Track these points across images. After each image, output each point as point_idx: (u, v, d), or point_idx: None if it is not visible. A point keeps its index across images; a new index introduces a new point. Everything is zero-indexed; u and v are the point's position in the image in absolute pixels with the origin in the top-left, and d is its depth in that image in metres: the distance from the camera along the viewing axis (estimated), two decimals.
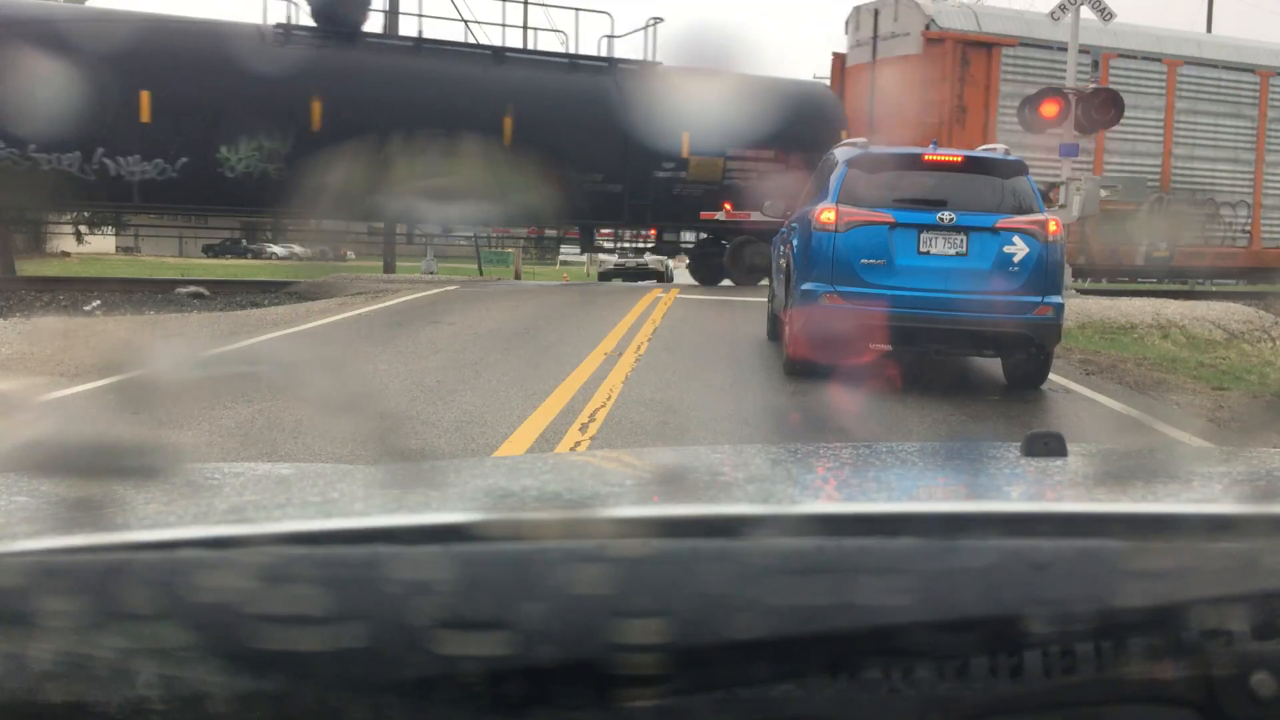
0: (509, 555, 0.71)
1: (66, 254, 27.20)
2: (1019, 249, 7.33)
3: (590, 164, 18.05)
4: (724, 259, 19.16)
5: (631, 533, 0.74)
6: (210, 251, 39.22)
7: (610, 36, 23.97)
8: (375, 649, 0.66)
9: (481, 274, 19.56)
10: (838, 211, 7.43)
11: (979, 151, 8.50)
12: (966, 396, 7.65)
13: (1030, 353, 7.65)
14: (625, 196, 18.74)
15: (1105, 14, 15.74)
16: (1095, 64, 18.32)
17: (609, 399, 6.62)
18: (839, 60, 21.47)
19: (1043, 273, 7.40)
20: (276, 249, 39.88)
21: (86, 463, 0.87)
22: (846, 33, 21.41)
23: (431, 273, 22.30)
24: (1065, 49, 19.28)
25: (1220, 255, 21.57)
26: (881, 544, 0.74)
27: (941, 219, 7.34)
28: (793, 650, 0.68)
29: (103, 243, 33.58)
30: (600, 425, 5.88)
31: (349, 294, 14.39)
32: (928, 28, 19.44)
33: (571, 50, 19.46)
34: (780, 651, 0.68)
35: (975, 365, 8.85)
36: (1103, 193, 16.79)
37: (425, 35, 18.53)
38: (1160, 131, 21.35)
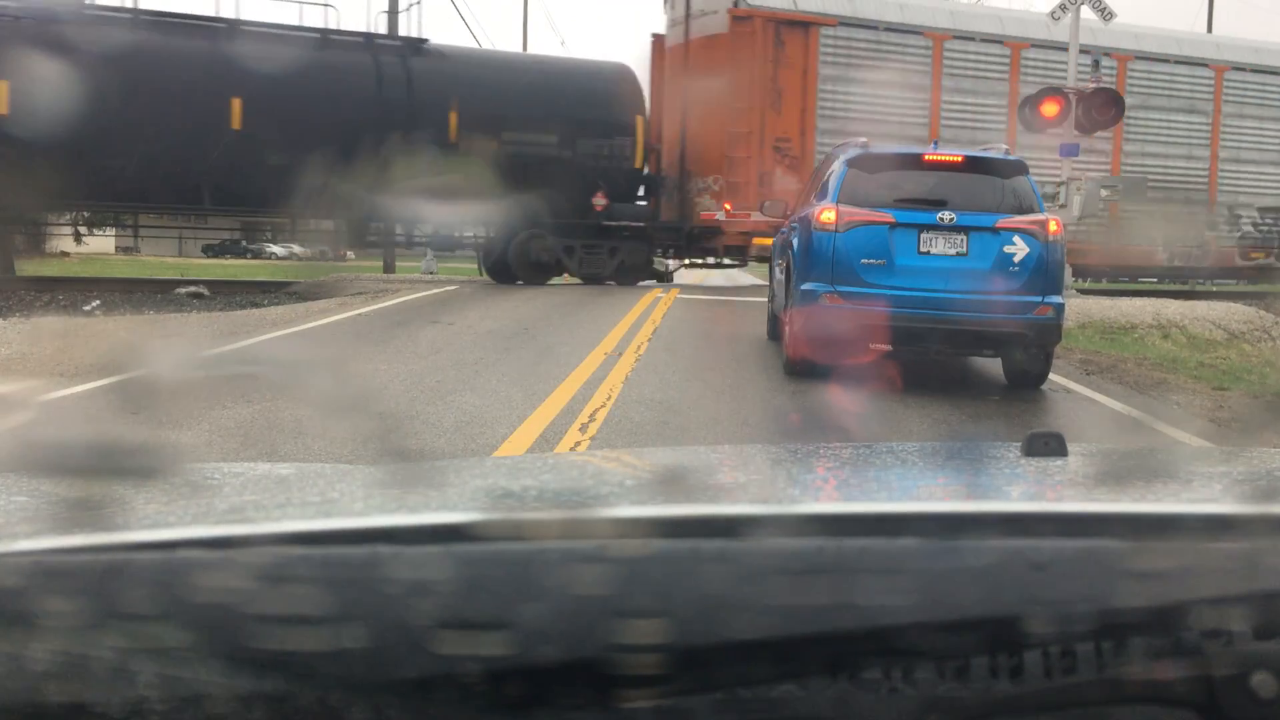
0: (509, 555, 0.71)
1: (65, 254, 27.21)
2: (1019, 249, 7.33)
3: (339, 150, 16.01)
4: (508, 254, 17.69)
5: (631, 533, 0.73)
6: (209, 251, 39.18)
7: (388, 12, 22.06)
8: (375, 649, 0.66)
9: (481, 274, 19.49)
10: (838, 211, 7.43)
11: (979, 151, 8.50)
12: (966, 396, 7.65)
13: (1030, 353, 7.65)
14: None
15: (1105, 14, 15.74)
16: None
17: (609, 399, 6.62)
18: (658, 41, 20.05)
19: (1043, 273, 7.40)
20: (276, 249, 39.79)
21: (86, 463, 0.87)
22: (665, 11, 20.00)
23: (431, 273, 22.32)
24: (895, 29, 18.84)
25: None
26: (882, 544, 0.74)
27: (942, 219, 7.34)
28: (793, 651, 0.68)
29: (102, 242, 33.57)
30: (600, 425, 5.88)
31: (348, 294, 14.40)
32: (735, 4, 18.03)
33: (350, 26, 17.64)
34: (781, 652, 0.68)
35: (975, 365, 8.85)
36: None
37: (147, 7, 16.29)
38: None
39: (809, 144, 18.25)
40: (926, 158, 7.90)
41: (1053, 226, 7.47)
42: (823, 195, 7.89)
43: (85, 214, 18.45)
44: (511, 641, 0.66)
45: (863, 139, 8.37)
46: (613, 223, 18.04)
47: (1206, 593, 0.72)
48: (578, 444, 5.46)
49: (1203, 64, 21.16)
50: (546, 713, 0.67)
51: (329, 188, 15.31)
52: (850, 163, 7.71)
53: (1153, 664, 0.72)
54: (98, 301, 13.48)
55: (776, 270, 9.46)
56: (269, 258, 39.42)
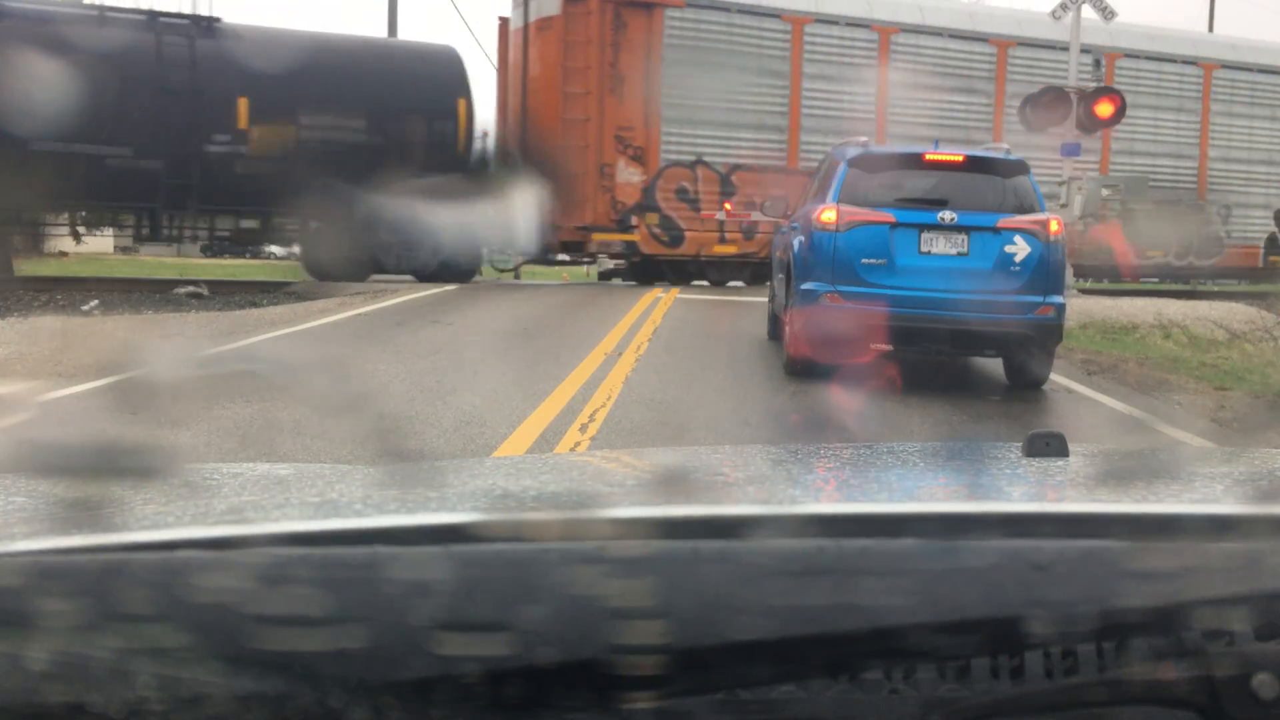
0: (509, 556, 0.71)
1: (64, 254, 27.18)
2: (1020, 249, 7.33)
3: (113, 136, 14.65)
4: (309, 250, 16.53)
5: (631, 533, 0.73)
6: (208, 251, 39.10)
7: None
8: (375, 650, 0.66)
9: (481, 274, 19.45)
10: (838, 211, 7.43)
11: (980, 151, 8.50)
12: (967, 396, 7.64)
13: (1031, 353, 7.65)
14: (162, 176, 15.33)
15: (1106, 13, 15.74)
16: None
17: (609, 399, 6.62)
18: (503, 25, 19.04)
19: (1044, 272, 7.40)
20: (275, 249, 39.70)
21: (85, 463, 0.87)
22: None
23: None
24: (749, 12, 17.81)
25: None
26: (882, 545, 0.74)
27: (943, 219, 7.34)
28: (794, 651, 0.68)
29: (101, 242, 33.54)
30: (600, 425, 5.88)
31: (348, 294, 14.39)
32: None
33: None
34: (781, 653, 0.68)
35: (976, 365, 8.85)
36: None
37: None
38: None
39: (654, 133, 17.48)
40: (927, 157, 7.90)
41: (1054, 226, 7.47)
42: (823, 195, 7.90)
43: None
44: (511, 642, 0.66)
45: (863, 138, 8.37)
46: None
47: (1208, 593, 0.72)
48: (578, 444, 5.46)
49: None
50: (546, 713, 0.67)
51: (103, 183, 14.56)
52: (851, 162, 7.72)
53: (1154, 665, 0.72)
54: (96, 301, 13.48)
55: (776, 270, 9.46)
56: (268, 257, 39.35)
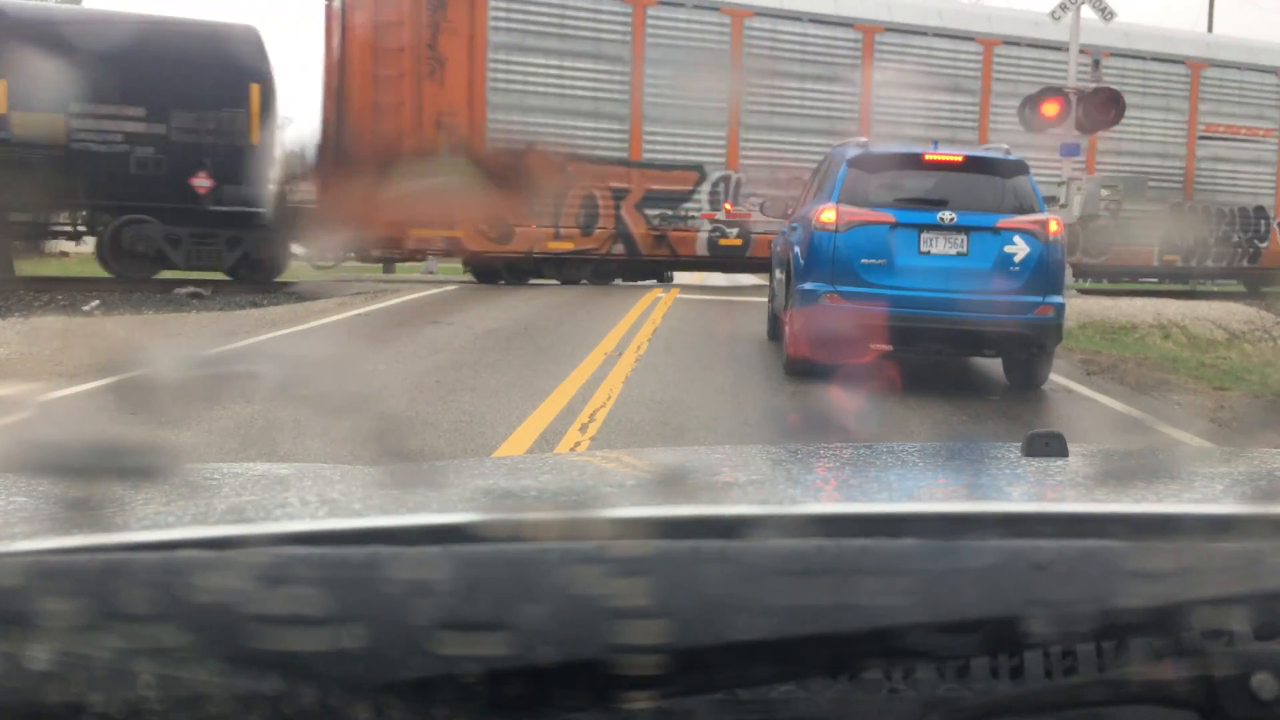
0: (509, 556, 0.71)
1: (65, 254, 27.15)
2: (1020, 249, 7.34)
3: None
4: (101, 246, 15.52)
5: (631, 533, 0.73)
6: None
7: None
8: (375, 650, 0.66)
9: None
10: (838, 211, 7.43)
11: (980, 151, 8.50)
12: (967, 396, 7.65)
13: (1031, 353, 7.66)
14: None
15: (1106, 13, 15.74)
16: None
17: (609, 399, 6.62)
18: (329, 7, 17.46)
19: (1043, 272, 7.40)
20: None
21: (85, 463, 0.87)
22: None
23: (431, 272, 22.29)
24: None
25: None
26: (882, 545, 0.74)
27: (942, 219, 7.35)
28: (793, 651, 0.68)
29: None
30: (600, 425, 5.88)
31: (349, 294, 14.40)
32: None
33: None
34: (781, 653, 0.68)
35: (975, 365, 8.85)
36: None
37: None
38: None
39: (479, 119, 16.33)
40: (927, 157, 7.91)
41: (1053, 226, 7.47)
42: (823, 195, 7.90)
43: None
44: (511, 642, 0.66)
45: (863, 138, 8.37)
46: (223, 208, 15.54)
47: (1207, 593, 0.72)
48: (578, 444, 5.46)
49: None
50: (547, 713, 0.67)
51: None
52: (851, 162, 7.72)
53: (1154, 665, 0.72)
54: (97, 301, 13.47)
55: (776, 270, 9.47)
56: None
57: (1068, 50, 15.94)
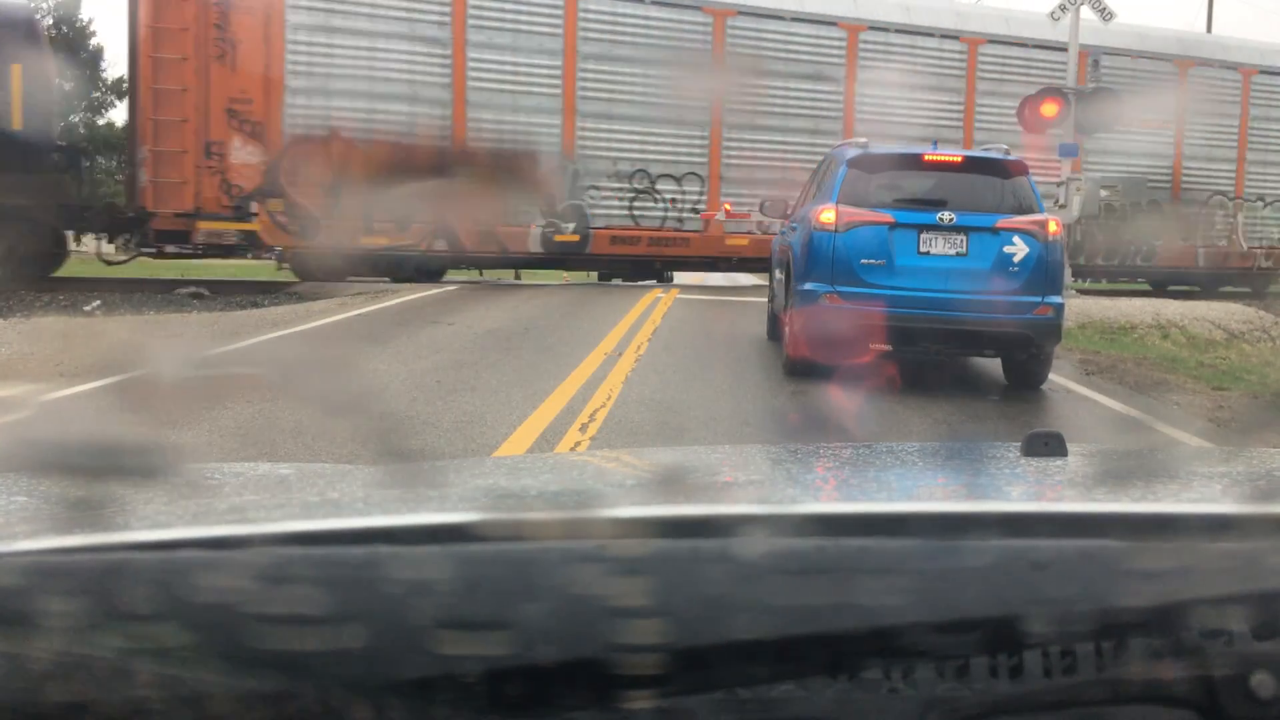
0: (509, 555, 0.71)
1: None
2: (1019, 249, 7.34)
3: None
4: None
5: (631, 533, 0.74)
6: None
7: None
8: (375, 649, 0.66)
9: (481, 274, 19.31)
10: (838, 211, 7.43)
11: (980, 151, 8.50)
12: (966, 396, 7.65)
13: (1030, 353, 7.66)
14: None
15: (1105, 14, 15.74)
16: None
17: (609, 399, 6.62)
18: None
19: (1043, 273, 7.40)
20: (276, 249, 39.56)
21: (86, 463, 0.87)
22: None
23: None
24: None
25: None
26: (881, 544, 0.74)
27: (942, 219, 7.35)
28: (793, 651, 0.68)
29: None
30: (600, 425, 5.88)
31: (349, 294, 14.39)
32: None
33: None
34: (780, 652, 0.68)
35: (975, 365, 8.85)
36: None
37: None
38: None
39: (275, 105, 15.26)
40: (926, 158, 7.91)
41: (1052, 227, 7.48)
42: (823, 195, 7.90)
43: None
44: (512, 641, 0.66)
45: (862, 139, 8.37)
46: None
47: (1206, 593, 0.72)
48: (578, 444, 5.46)
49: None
50: (547, 713, 0.67)
51: None
52: (850, 163, 7.73)
53: (1153, 664, 0.72)
54: (98, 302, 13.47)
55: (776, 270, 9.47)
56: (269, 258, 39.21)
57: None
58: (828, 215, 7.46)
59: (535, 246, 16.74)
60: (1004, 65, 18.88)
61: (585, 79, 16.82)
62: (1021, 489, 1.18)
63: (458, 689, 0.66)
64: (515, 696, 0.66)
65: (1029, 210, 7.54)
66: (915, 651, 0.70)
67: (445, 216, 15.93)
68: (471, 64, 16.09)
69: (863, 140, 8.31)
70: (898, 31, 18.38)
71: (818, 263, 7.48)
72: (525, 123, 16.47)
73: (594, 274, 19.58)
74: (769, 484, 1.28)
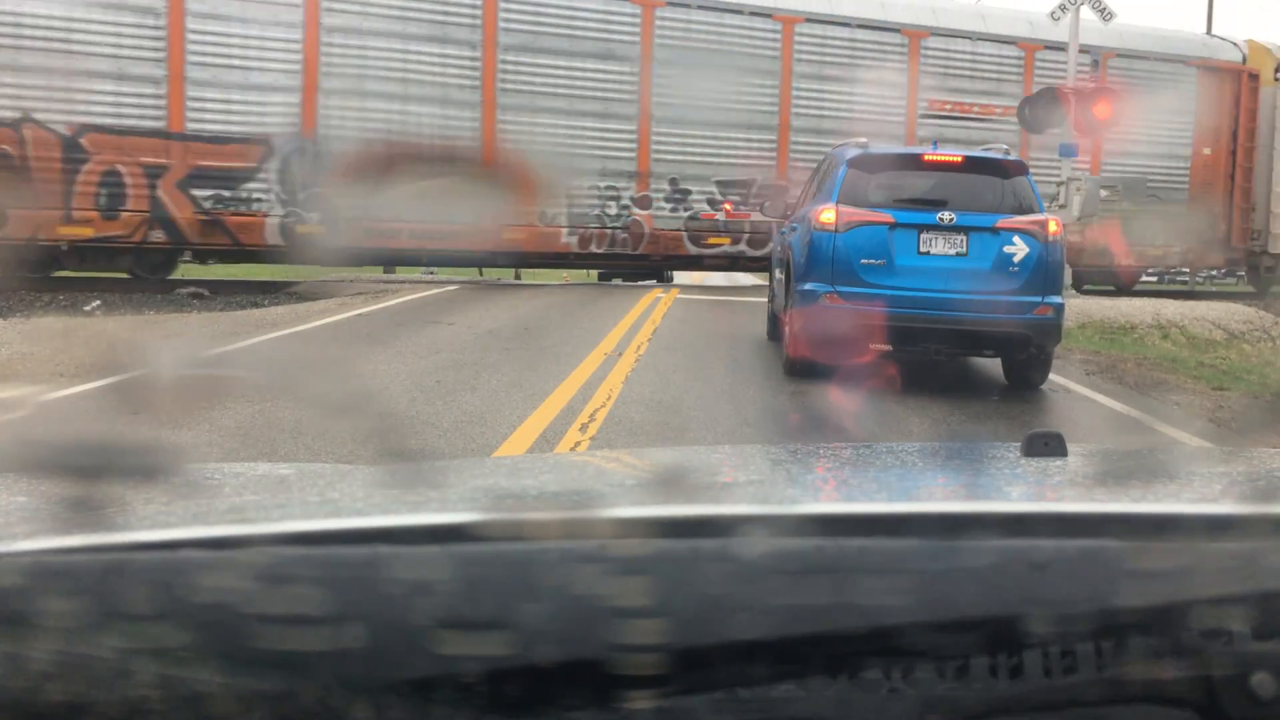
0: (509, 555, 0.71)
1: None
2: (1019, 249, 7.34)
3: None
4: None
5: (631, 533, 0.74)
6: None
7: None
8: (375, 649, 0.66)
9: (481, 274, 19.32)
10: (838, 211, 7.43)
11: (979, 151, 8.50)
12: (966, 396, 7.65)
13: (1030, 353, 7.66)
14: None
15: (1105, 14, 15.74)
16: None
17: (609, 399, 6.62)
18: None
19: (1043, 273, 7.40)
20: None
21: (86, 463, 0.87)
22: None
23: (431, 273, 22.29)
24: None
25: None
26: (881, 544, 0.74)
27: (942, 219, 7.35)
28: (793, 650, 0.68)
29: None
30: (600, 425, 5.88)
31: (349, 294, 14.39)
32: None
33: None
34: (780, 652, 0.68)
35: (975, 365, 8.85)
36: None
37: None
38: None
39: None
40: (926, 158, 7.91)
41: (1053, 227, 7.48)
42: (823, 195, 7.91)
43: None
44: (512, 641, 0.66)
45: (862, 139, 8.37)
46: None
47: (1206, 593, 0.72)
48: (578, 444, 5.46)
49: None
50: (547, 713, 0.67)
51: None
52: (851, 163, 7.73)
53: (1153, 664, 0.72)
54: (98, 302, 13.47)
55: (776, 270, 9.47)
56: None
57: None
58: (828, 215, 7.46)
59: (274, 238, 15.43)
60: (824, 46, 17.35)
61: (504, 70, 15.91)
62: (1021, 489, 1.18)
63: (458, 689, 0.66)
64: (515, 696, 0.66)
65: (1029, 210, 7.54)
66: (915, 651, 0.70)
67: (165, 204, 14.76)
68: (191, 35, 14.58)
69: (863, 140, 8.31)
70: (699, 8, 16.73)
71: (818, 263, 7.49)
72: (256, 102, 15.05)
73: (594, 274, 19.52)
74: (769, 484, 1.28)
